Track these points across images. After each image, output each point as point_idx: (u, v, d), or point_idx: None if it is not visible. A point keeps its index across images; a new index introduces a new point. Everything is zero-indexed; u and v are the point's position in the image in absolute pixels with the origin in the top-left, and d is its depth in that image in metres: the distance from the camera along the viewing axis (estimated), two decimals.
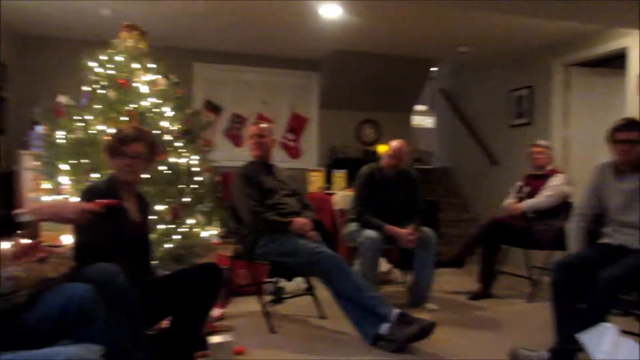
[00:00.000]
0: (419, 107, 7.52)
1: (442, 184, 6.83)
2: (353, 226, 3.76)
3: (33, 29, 5.03)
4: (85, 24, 4.69)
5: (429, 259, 3.69)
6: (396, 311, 2.83)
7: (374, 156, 5.29)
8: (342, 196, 4.59)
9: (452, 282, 4.63)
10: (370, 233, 3.55)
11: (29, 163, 4.29)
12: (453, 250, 4.43)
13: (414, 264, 3.74)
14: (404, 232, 3.59)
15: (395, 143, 3.80)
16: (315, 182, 5.50)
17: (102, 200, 1.88)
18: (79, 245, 1.99)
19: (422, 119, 8.09)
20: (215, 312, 3.24)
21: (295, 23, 4.75)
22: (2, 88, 4.81)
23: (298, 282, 3.91)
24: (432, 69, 6.62)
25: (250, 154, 3.47)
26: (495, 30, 4.85)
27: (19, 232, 1.63)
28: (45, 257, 1.81)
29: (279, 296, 3.78)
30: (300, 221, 3.20)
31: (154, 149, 2.38)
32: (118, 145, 2.26)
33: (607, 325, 2.19)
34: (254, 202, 3.23)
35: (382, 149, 4.22)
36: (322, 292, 3.27)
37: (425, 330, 2.76)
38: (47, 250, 1.77)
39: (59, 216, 1.71)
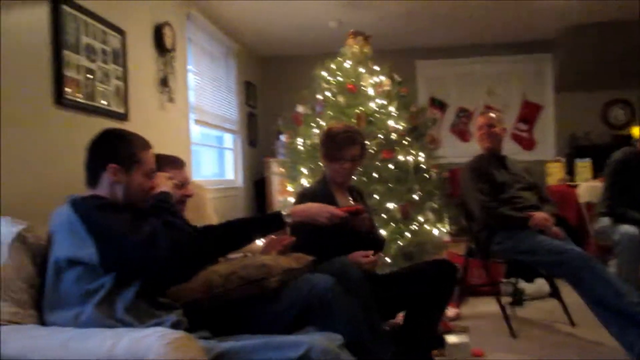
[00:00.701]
0: None
1: None
2: (605, 221, 3.28)
3: (272, 50, 5.67)
4: (316, 39, 5.09)
5: None
6: None
7: (626, 141, 4.56)
8: (588, 188, 4.05)
9: None
10: (628, 229, 3.04)
11: (276, 169, 4.85)
12: None
13: None
14: None
15: None
16: (555, 173, 4.99)
17: (349, 207, 2.13)
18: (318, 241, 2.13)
19: None
20: (450, 311, 3.17)
21: (523, 2, 4.39)
22: (253, 105, 5.54)
23: (540, 284, 3.58)
24: None
25: (479, 146, 3.29)
26: None
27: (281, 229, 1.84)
28: (287, 249, 2.02)
29: (518, 298, 3.50)
30: (540, 216, 2.91)
31: (365, 149, 2.44)
32: (335, 151, 2.33)
33: None
34: (486, 196, 3.05)
35: (637, 131, 3.61)
36: (570, 295, 2.92)
37: None
38: (289, 243, 1.98)
39: (312, 219, 1.89)
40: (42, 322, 1.47)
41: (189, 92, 3.90)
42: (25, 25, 2.22)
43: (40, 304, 1.49)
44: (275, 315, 1.64)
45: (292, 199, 3.70)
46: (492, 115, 3.27)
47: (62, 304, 1.44)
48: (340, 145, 2.32)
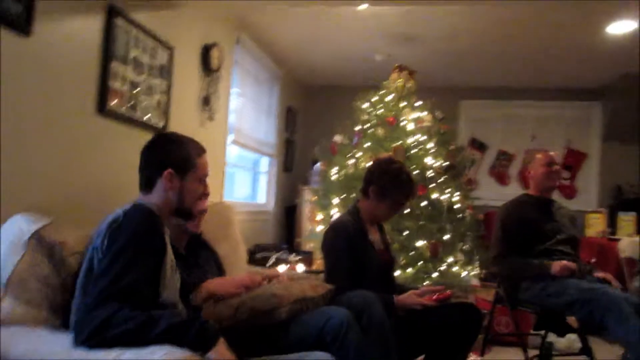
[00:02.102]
0: None
1: None
2: None
3: (316, 79, 5.72)
4: (360, 70, 5.11)
5: None
6: None
7: None
8: (630, 243, 3.87)
9: None
10: None
11: (308, 197, 4.83)
12: None
13: None
14: None
15: None
16: (595, 225, 4.79)
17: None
18: (330, 274, 2.08)
19: None
20: (472, 358, 3.03)
21: (576, 48, 4.28)
22: (292, 132, 5.57)
23: (571, 340, 3.40)
24: None
25: (534, 185, 2.99)
26: None
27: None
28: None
29: (547, 352, 3.32)
30: (562, 263, 2.70)
31: None
32: (400, 195, 2.21)
33: None
34: (517, 247, 2.84)
35: None
36: (602, 354, 2.75)
37: None
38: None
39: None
40: (63, 324, 1.44)
41: (230, 113, 3.96)
42: (78, 32, 2.29)
43: (56, 305, 1.47)
44: (289, 346, 1.58)
45: (321, 227, 3.68)
46: (552, 153, 3.07)
47: None
48: (408, 191, 2.23)
